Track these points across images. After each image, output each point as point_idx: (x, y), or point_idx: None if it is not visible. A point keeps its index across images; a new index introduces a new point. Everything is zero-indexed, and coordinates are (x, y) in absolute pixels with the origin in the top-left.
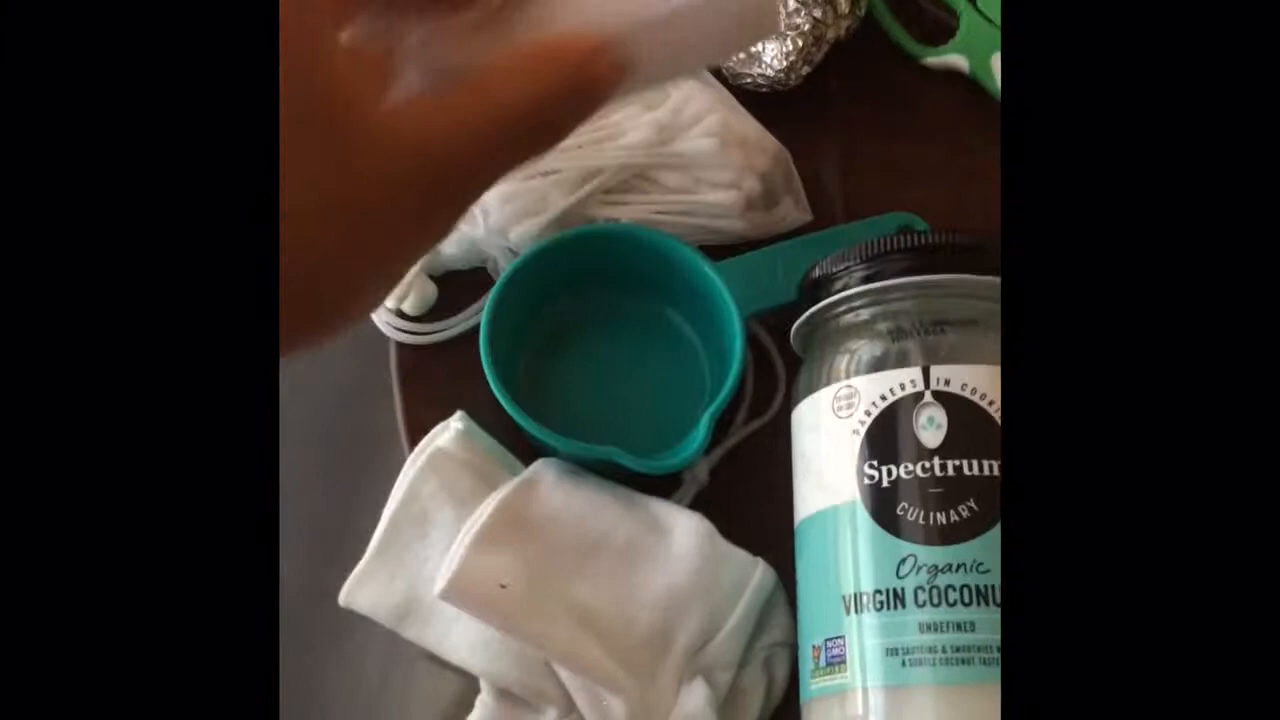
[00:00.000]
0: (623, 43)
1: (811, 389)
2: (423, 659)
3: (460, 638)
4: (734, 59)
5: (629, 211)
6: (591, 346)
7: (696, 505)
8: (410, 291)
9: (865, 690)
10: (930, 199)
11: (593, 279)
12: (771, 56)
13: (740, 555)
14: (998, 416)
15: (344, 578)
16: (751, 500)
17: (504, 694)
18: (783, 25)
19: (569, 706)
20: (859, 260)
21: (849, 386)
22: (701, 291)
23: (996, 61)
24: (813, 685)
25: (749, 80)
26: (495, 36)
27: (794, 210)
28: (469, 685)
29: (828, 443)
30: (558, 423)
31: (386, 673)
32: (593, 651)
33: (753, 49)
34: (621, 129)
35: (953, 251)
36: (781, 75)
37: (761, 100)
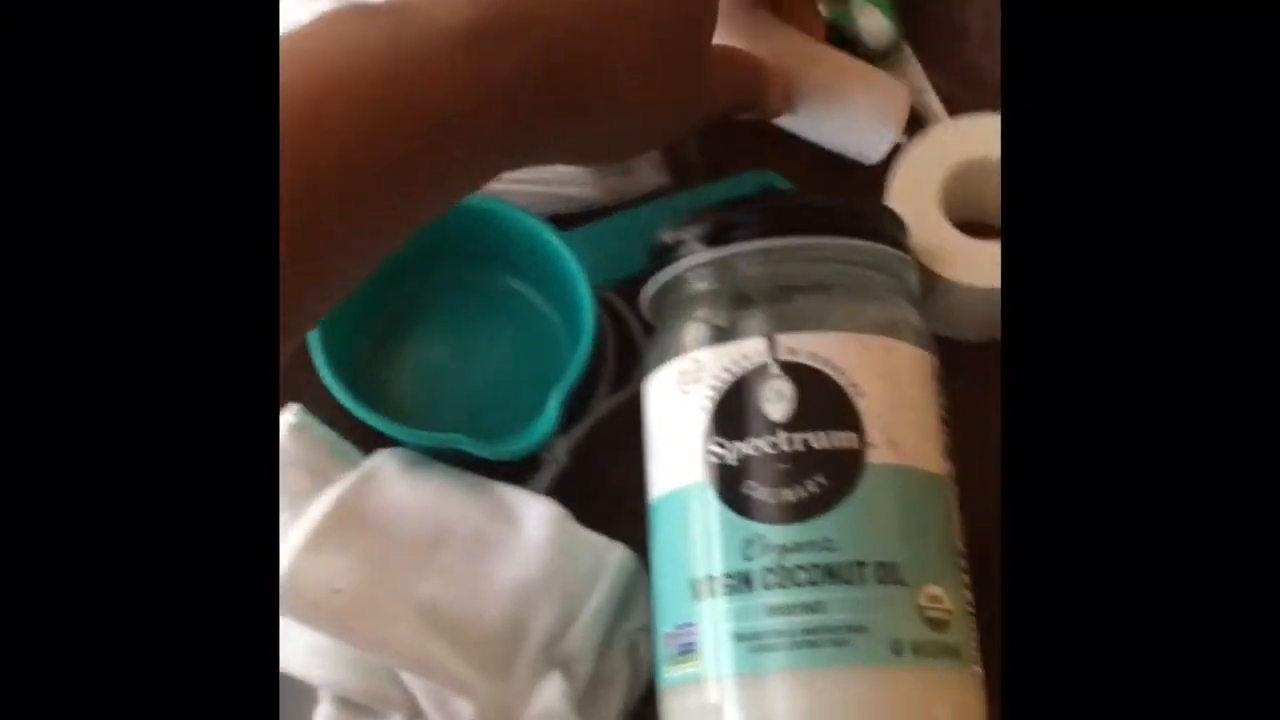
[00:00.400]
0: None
1: (659, 362)
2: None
3: (296, 646)
4: None
5: None
6: (441, 328)
7: (558, 487)
8: None
9: (718, 680)
10: (796, 156)
11: (439, 256)
12: None
13: (596, 539)
14: (846, 386)
15: None
16: (616, 479)
17: (345, 703)
18: None
19: (415, 711)
20: (704, 225)
21: (694, 360)
22: (551, 264)
23: (865, 11)
24: (667, 674)
25: None
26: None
27: (650, 173)
28: (307, 697)
29: (674, 420)
30: (404, 410)
31: None
32: (438, 652)
33: None
34: None
35: (798, 213)
36: None
37: None
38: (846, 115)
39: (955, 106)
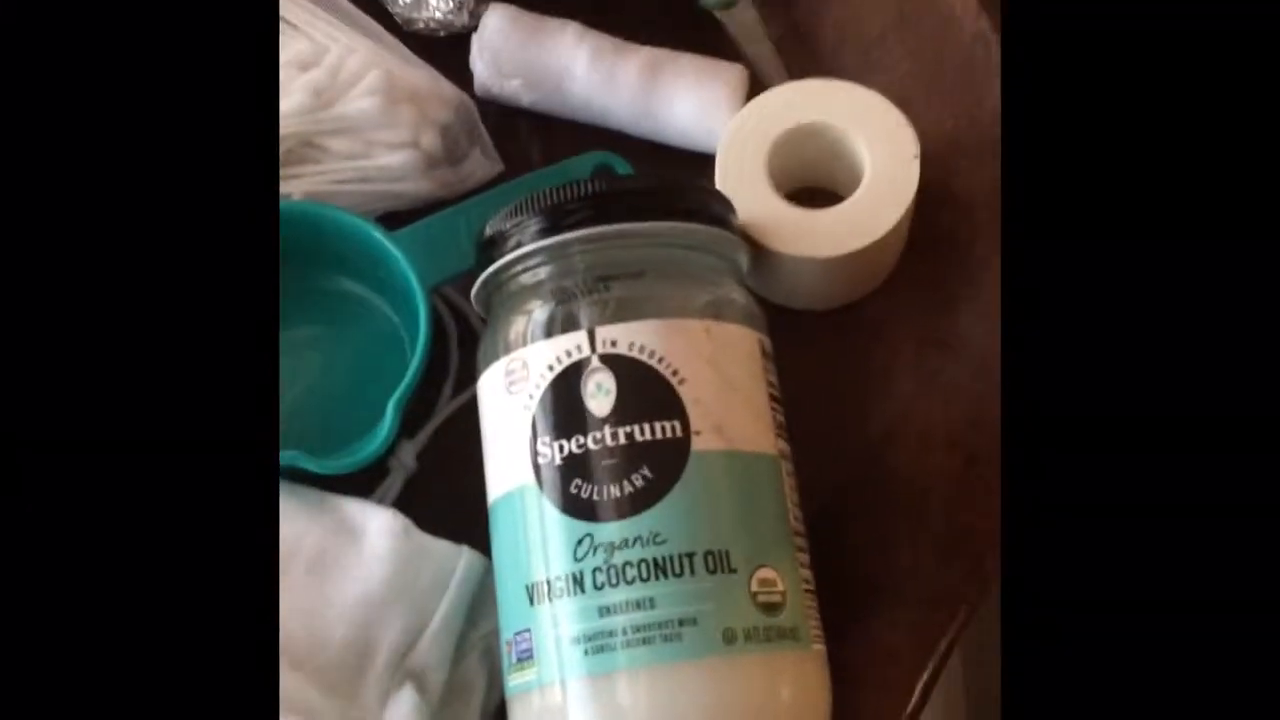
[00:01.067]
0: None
1: (489, 361)
2: None
3: None
4: (401, 3)
5: (302, 185)
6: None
7: (408, 493)
8: None
9: (560, 683)
10: (632, 139)
11: None
12: None
13: (442, 546)
14: (668, 374)
15: None
16: (466, 480)
17: None
18: None
19: None
20: (523, 217)
21: (519, 359)
22: (386, 266)
23: None
24: (510, 682)
25: (421, 25)
26: None
27: (483, 163)
28: None
29: (503, 420)
30: None
31: None
32: (283, 679)
33: None
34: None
35: (618, 198)
36: (451, 16)
37: (438, 46)
38: (685, 112)
39: (789, 60)
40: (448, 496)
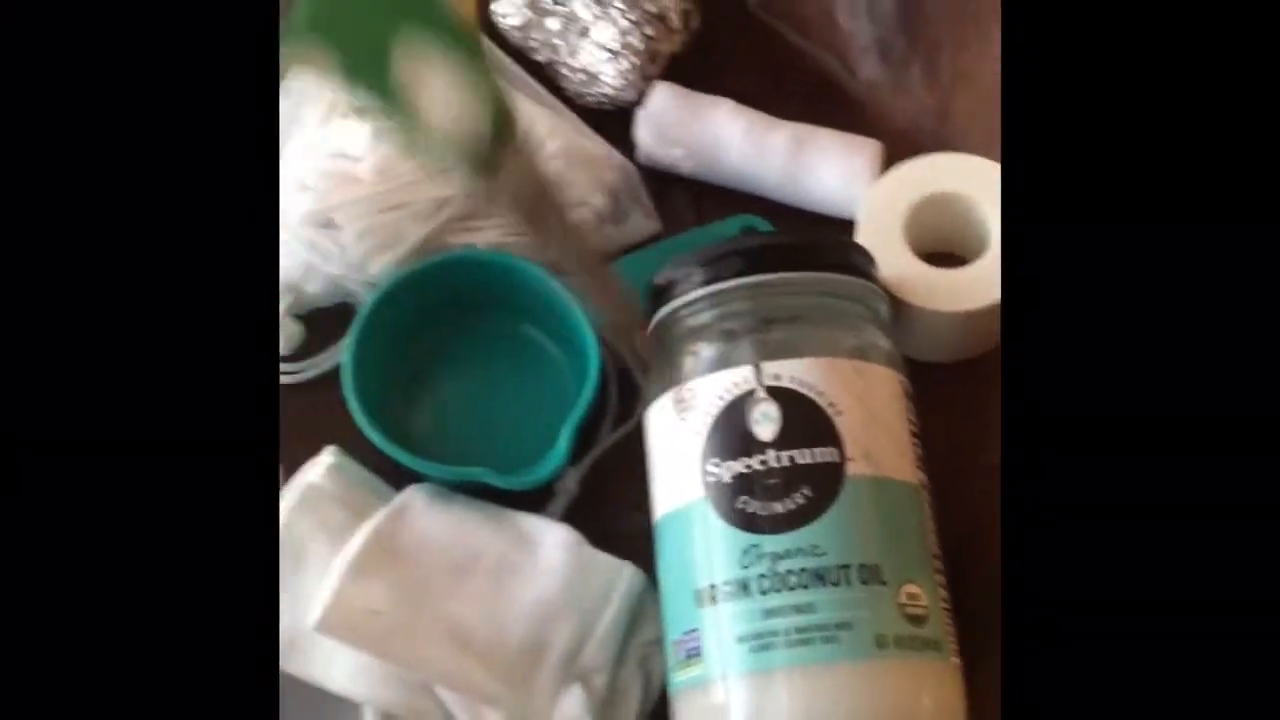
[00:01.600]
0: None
1: (658, 392)
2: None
3: (342, 667)
4: (575, 79)
5: (483, 236)
6: (459, 370)
7: (569, 515)
8: (279, 332)
9: (722, 679)
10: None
11: (454, 305)
12: (609, 75)
13: (607, 560)
14: (825, 406)
15: None
16: (621, 505)
17: (387, 718)
18: (617, 43)
19: None
20: (693, 267)
21: (689, 389)
22: (558, 309)
23: None
24: (676, 679)
25: (592, 99)
26: None
27: (644, 222)
28: (349, 716)
29: (673, 444)
30: (429, 448)
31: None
32: (469, 668)
33: (591, 69)
34: None
35: (774, 252)
36: (621, 92)
37: (605, 118)
38: (829, 181)
39: (927, 138)
40: (601, 518)
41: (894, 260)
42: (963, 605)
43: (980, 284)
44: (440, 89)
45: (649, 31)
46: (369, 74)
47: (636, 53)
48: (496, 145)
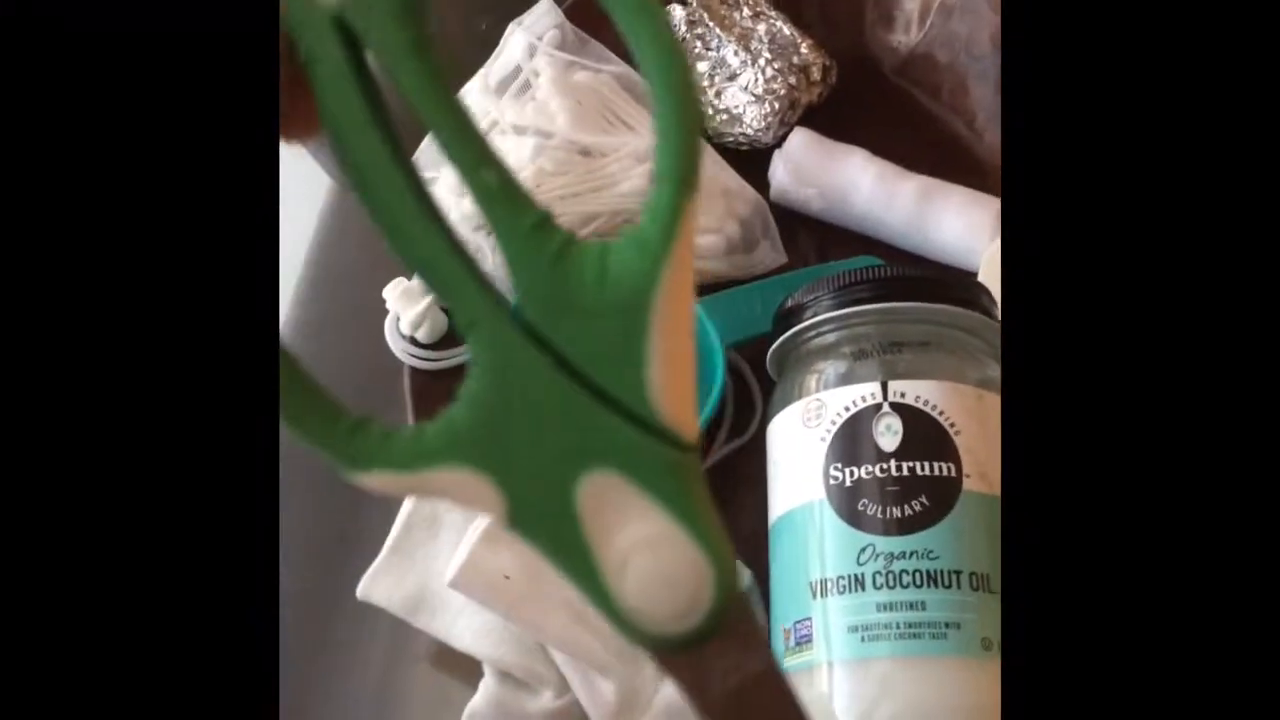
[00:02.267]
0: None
1: (785, 404)
2: (423, 660)
3: (466, 626)
4: (718, 119)
5: None
6: None
7: None
8: (424, 320)
9: (830, 664)
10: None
11: None
12: (751, 118)
13: None
14: (947, 425)
15: (349, 586)
16: (732, 511)
17: (505, 676)
18: (761, 90)
19: (564, 688)
20: (827, 291)
21: (818, 400)
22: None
23: None
24: (786, 663)
25: (730, 139)
26: None
27: (771, 253)
28: (467, 682)
29: (798, 449)
30: None
31: (388, 674)
32: (586, 639)
33: (734, 110)
34: (616, 179)
35: (908, 283)
36: (760, 134)
37: (742, 156)
38: (953, 232)
39: None
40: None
41: None
42: None
43: None
44: (637, 552)
45: (792, 81)
46: (540, 520)
47: (779, 99)
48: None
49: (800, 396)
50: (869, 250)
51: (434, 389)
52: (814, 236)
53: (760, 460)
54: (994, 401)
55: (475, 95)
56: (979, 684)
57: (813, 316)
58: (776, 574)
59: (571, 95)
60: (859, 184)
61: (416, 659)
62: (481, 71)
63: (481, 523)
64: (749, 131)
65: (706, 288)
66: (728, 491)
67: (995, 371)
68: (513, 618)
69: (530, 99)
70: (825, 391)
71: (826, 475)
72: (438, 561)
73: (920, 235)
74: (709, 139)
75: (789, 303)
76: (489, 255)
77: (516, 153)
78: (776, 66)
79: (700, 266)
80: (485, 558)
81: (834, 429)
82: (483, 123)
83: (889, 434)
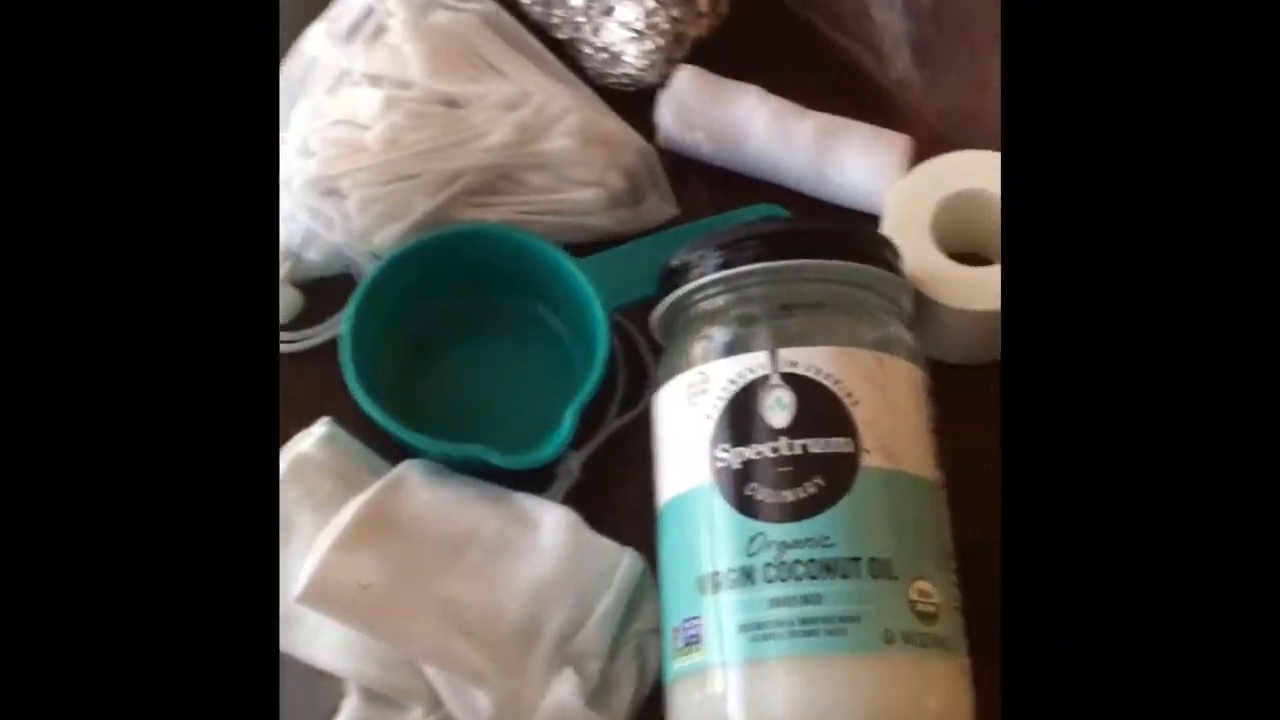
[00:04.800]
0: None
1: (669, 376)
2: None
3: (327, 641)
4: (597, 59)
5: (495, 213)
6: (462, 347)
7: (571, 499)
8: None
9: (721, 668)
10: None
11: (459, 280)
12: (633, 56)
13: (607, 545)
14: (843, 395)
15: None
16: (624, 490)
17: (370, 695)
18: (643, 24)
19: (435, 703)
20: (710, 249)
21: (701, 373)
22: (567, 288)
23: None
24: (674, 666)
25: (612, 79)
26: None
27: (660, 205)
28: (335, 692)
29: (683, 428)
30: (429, 424)
31: None
32: (458, 647)
33: (614, 48)
34: (483, 130)
35: (798, 237)
36: (643, 73)
37: (627, 99)
38: (856, 173)
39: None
40: (602, 503)
41: (919, 256)
42: (975, 605)
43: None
44: None
45: (675, 13)
46: None
47: (662, 33)
48: None
49: (686, 368)
50: (767, 197)
51: (290, 373)
52: (707, 185)
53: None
54: (896, 365)
55: (320, 41)
56: (879, 682)
57: (696, 278)
58: (664, 566)
59: (430, 39)
60: (753, 124)
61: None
62: (327, 14)
63: (336, 526)
64: (631, 71)
65: (589, 246)
66: (621, 470)
67: (898, 330)
68: (373, 631)
69: (383, 44)
70: (709, 363)
71: (713, 457)
72: (289, 572)
73: (820, 178)
74: (589, 81)
75: (672, 262)
76: (338, 223)
77: (369, 104)
78: None
79: (582, 223)
80: (340, 566)
81: (720, 405)
82: (330, 73)
83: (779, 408)
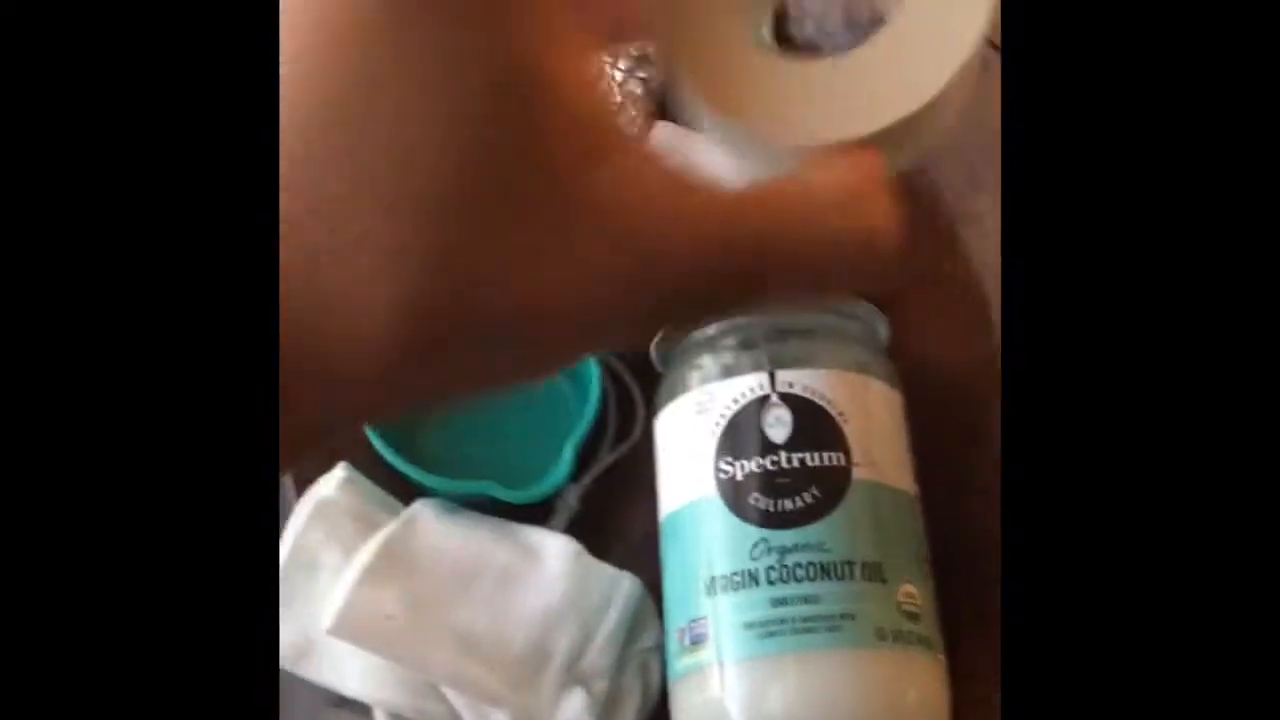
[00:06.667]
0: None
1: (671, 397)
2: (318, 707)
3: (353, 670)
4: None
5: None
6: None
7: (570, 530)
8: None
9: (725, 664)
10: None
11: None
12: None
13: (608, 570)
14: (835, 413)
15: None
16: (620, 519)
17: (396, 718)
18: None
19: None
20: None
21: (705, 393)
22: None
23: None
24: (678, 666)
25: None
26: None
27: None
28: (363, 715)
29: (686, 444)
30: (437, 464)
31: None
32: (474, 671)
33: None
34: None
35: None
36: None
37: None
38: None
39: None
40: (600, 533)
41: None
42: (944, 606)
43: (885, 78)
44: None
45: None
46: None
47: (637, 101)
48: None
49: (686, 390)
50: None
51: None
52: None
53: (647, 466)
54: (878, 386)
55: None
56: (873, 675)
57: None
58: (668, 572)
59: None
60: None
61: (313, 709)
62: None
63: (359, 562)
64: None
65: None
66: (616, 500)
67: (878, 355)
68: (397, 658)
69: None
70: (713, 384)
71: (717, 469)
72: (318, 607)
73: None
74: None
75: None
76: None
77: None
78: None
79: None
80: (364, 599)
81: (723, 422)
82: None
83: (778, 425)
